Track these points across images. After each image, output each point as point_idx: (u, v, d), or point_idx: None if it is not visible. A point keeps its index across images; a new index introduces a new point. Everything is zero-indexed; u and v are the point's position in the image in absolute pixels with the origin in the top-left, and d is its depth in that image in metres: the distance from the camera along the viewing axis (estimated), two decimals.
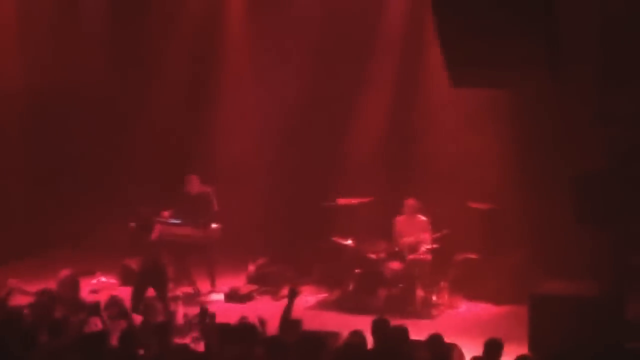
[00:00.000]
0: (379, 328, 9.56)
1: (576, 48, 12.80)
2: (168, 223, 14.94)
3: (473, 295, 14.82)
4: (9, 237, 16.78)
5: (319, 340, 8.98)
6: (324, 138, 17.01)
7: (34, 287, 12.47)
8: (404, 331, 9.36)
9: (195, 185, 15.42)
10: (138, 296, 13.30)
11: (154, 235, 13.64)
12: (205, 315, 11.15)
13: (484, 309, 14.52)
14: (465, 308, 14.60)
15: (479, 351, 9.36)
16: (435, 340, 9.38)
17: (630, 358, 10.16)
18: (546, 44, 9.91)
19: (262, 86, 17.39)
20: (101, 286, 15.51)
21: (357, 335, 9.51)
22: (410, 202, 14.90)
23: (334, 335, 10.37)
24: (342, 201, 15.35)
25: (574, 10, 12.20)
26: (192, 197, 15.36)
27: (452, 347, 10.00)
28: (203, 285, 15.39)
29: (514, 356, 8.85)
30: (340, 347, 9.25)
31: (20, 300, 11.97)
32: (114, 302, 11.31)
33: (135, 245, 14.16)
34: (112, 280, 15.82)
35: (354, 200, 15.28)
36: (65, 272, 12.55)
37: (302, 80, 16.95)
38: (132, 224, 14.13)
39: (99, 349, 8.99)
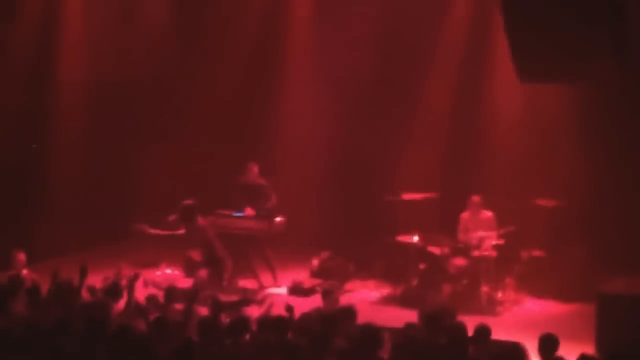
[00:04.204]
0: (434, 322, 9.53)
1: None
2: (229, 216, 15.08)
3: (538, 292, 14.59)
4: (68, 229, 16.89)
5: (377, 333, 8.94)
6: (389, 133, 16.93)
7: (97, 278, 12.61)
8: (461, 327, 9.30)
9: (253, 174, 15.42)
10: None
11: (200, 224, 13.91)
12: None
13: (549, 307, 14.30)
14: (531, 305, 14.40)
15: None
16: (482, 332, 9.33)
17: None
18: (614, 36, 9.73)
19: (326, 82, 17.32)
20: (165, 278, 15.59)
21: (413, 328, 9.46)
22: (476, 198, 14.74)
23: (393, 330, 10.29)
24: (406, 196, 15.26)
25: None
26: (248, 188, 15.35)
27: (515, 345, 9.87)
28: (266, 279, 15.39)
29: (578, 354, 8.67)
30: (398, 341, 9.19)
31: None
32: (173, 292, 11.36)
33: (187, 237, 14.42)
34: (176, 272, 15.91)
35: (419, 195, 15.19)
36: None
37: (366, 77, 16.91)
38: (172, 217, 14.36)
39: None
